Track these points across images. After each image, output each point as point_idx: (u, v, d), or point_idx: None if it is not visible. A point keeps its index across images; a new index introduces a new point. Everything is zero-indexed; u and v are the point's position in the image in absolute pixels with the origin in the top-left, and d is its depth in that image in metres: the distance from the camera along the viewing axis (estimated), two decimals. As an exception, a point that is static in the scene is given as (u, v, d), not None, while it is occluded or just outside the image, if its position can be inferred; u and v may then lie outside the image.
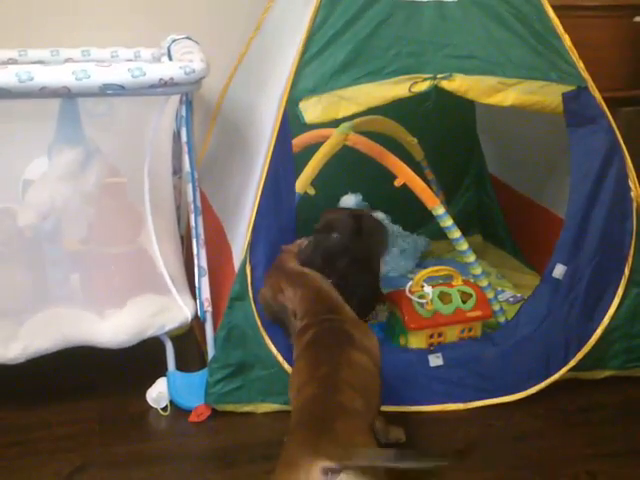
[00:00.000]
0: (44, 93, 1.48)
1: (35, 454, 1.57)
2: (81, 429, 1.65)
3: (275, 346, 1.66)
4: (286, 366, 1.65)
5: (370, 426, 1.27)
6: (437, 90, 1.67)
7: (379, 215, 2.33)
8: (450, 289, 1.84)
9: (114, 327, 1.66)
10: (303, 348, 1.40)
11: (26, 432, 1.64)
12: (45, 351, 1.66)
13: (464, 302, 1.82)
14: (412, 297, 1.79)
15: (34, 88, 1.46)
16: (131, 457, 1.57)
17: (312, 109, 1.64)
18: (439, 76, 1.66)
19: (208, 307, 1.73)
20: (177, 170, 1.99)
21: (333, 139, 1.89)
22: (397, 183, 1.81)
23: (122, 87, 1.51)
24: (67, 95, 1.52)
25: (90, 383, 1.81)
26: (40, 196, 1.61)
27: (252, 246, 1.66)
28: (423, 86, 1.66)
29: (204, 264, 1.74)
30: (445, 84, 1.67)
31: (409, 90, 1.65)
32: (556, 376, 1.75)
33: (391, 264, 2.29)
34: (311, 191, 1.81)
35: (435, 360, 1.75)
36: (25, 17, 2.25)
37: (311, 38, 1.63)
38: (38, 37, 2.19)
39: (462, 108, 2.32)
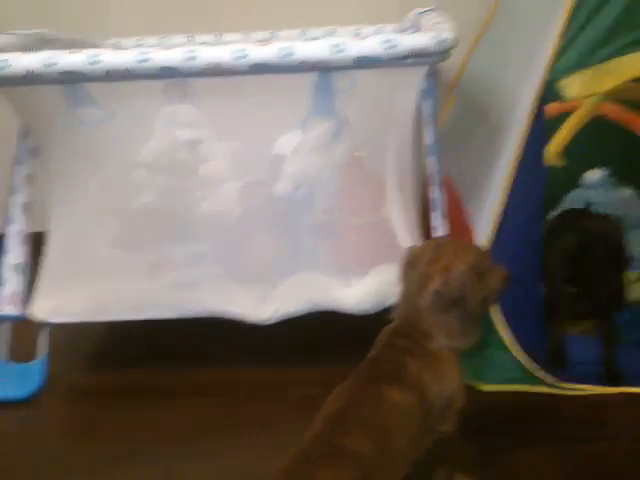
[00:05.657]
0: (302, 67, 1.56)
1: (286, 412, 1.65)
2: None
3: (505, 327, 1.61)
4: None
5: (378, 473, 1.09)
6: None
7: (627, 192, 2.14)
8: None
9: (359, 294, 1.71)
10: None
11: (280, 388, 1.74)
12: (293, 314, 1.75)
13: None
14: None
15: (294, 62, 1.54)
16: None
17: (573, 86, 1.55)
18: None
19: (449, 280, 1.72)
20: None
21: (584, 108, 1.78)
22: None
23: (375, 59, 1.54)
24: (323, 69, 1.59)
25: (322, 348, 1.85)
26: (295, 167, 1.70)
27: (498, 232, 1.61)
28: None
29: (445, 237, 1.73)
30: None
31: None
32: None
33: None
34: (559, 163, 1.71)
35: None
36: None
37: (573, 14, 1.54)
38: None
39: None
